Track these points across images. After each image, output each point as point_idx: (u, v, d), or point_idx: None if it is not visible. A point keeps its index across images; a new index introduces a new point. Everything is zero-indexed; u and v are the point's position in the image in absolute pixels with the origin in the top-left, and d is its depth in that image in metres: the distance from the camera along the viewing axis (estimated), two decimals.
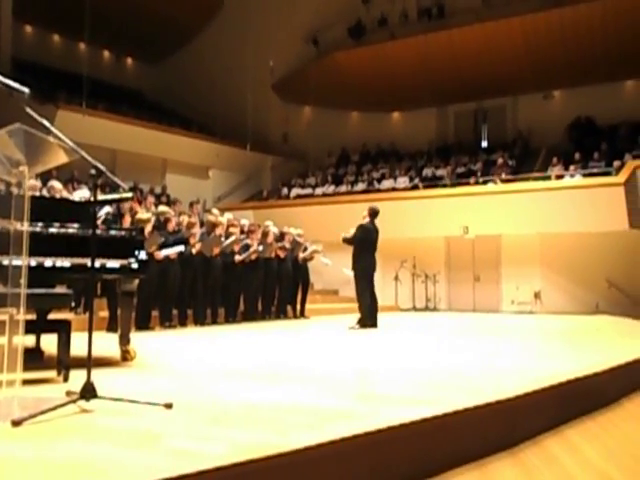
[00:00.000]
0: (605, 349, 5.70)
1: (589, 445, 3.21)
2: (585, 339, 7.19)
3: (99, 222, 6.53)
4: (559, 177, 14.77)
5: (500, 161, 16.21)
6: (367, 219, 8.36)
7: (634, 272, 14.21)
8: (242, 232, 9.94)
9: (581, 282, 14.56)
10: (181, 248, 7.79)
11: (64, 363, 3.44)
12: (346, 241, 8.35)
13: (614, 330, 8.74)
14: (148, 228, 7.44)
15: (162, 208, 8.67)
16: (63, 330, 3.51)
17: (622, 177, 13.21)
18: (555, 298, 14.81)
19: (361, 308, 8.24)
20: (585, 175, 14.39)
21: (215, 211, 10.49)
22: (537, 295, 14.93)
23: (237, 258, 9.00)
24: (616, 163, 14.20)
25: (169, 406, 2.68)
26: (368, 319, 8.17)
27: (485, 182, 15.58)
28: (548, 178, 14.86)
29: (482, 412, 2.75)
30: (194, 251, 8.19)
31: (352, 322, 8.26)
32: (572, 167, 14.83)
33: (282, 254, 9.99)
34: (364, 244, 8.21)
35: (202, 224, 9.71)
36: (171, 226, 8.06)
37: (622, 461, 3.26)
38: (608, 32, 15.62)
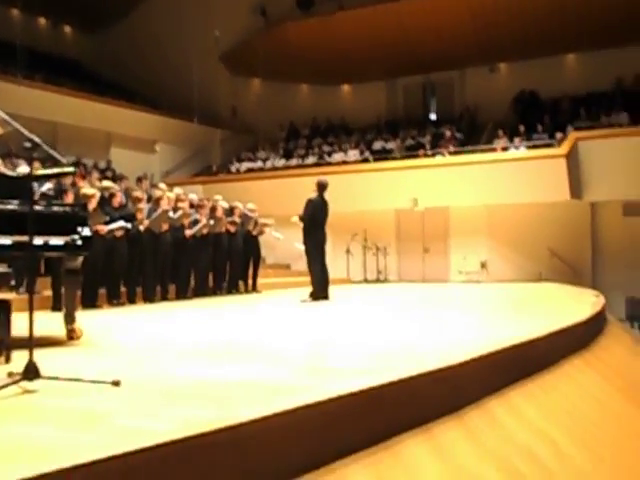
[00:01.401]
0: (546, 315, 5.90)
1: (529, 406, 3.34)
2: (528, 306, 7.43)
3: (39, 197, 6.32)
4: (504, 149, 15.08)
5: (448, 134, 16.42)
6: (315, 193, 8.36)
7: (575, 241, 14.74)
8: (191, 207, 9.81)
9: (525, 252, 15.01)
10: (124, 223, 7.63)
11: (5, 344, 3.34)
12: (301, 218, 8.34)
13: (555, 297, 9.06)
14: (93, 204, 7.25)
15: (106, 183, 8.46)
16: (2, 310, 3.40)
17: (564, 149, 13.59)
18: (501, 267, 15.24)
19: (313, 281, 8.29)
20: (529, 147, 14.73)
21: (162, 186, 10.30)
22: (484, 265, 15.33)
23: (187, 233, 8.89)
24: (559, 135, 14.59)
25: (116, 384, 2.64)
26: (320, 291, 8.23)
27: (434, 155, 15.77)
28: (494, 150, 15.15)
29: (428, 379, 2.82)
30: (142, 228, 8.04)
31: (304, 295, 8.30)
32: (517, 139, 15.15)
33: (232, 229, 9.92)
34: (314, 219, 8.23)
35: (150, 200, 9.53)
36: (116, 202, 7.89)
37: (560, 419, 3.42)
38: (552, 6, 15.89)
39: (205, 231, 9.18)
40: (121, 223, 7.58)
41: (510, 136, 15.51)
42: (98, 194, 7.43)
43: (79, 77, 18.08)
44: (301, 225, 8.34)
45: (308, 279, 8.47)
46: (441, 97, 19.29)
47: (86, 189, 7.53)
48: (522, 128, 15.47)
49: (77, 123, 15.79)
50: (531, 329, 4.42)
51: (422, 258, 16.17)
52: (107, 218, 7.40)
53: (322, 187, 8.37)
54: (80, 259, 4.25)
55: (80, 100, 15.75)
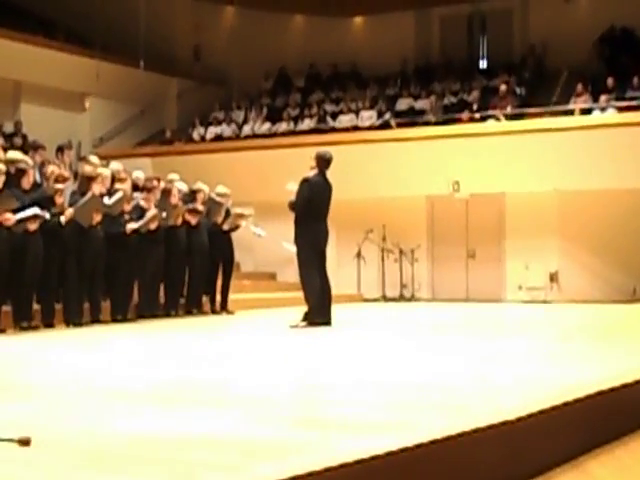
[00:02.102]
0: None
1: None
2: (617, 337, 7.43)
3: None
4: (585, 111, 15.06)
5: (504, 89, 16.40)
6: (315, 170, 8.37)
7: None
8: (134, 189, 9.81)
9: (613, 259, 14.99)
10: (40, 211, 7.63)
11: None
12: (293, 207, 8.35)
13: None
14: None
15: (13, 154, 8.46)
16: None
17: None
18: (578, 282, 15.23)
19: (308, 298, 8.30)
20: (621, 109, 14.71)
21: (94, 159, 10.29)
22: (554, 278, 15.33)
23: (128, 227, 8.90)
24: None
25: (25, 442, 2.64)
26: (318, 313, 8.24)
27: (483, 119, 15.75)
28: (571, 113, 15.13)
29: (471, 440, 2.82)
30: (63, 219, 8.03)
31: (296, 318, 8.32)
32: (603, 97, 15.13)
33: (193, 220, 9.94)
34: (311, 207, 8.22)
35: (76, 179, 9.54)
36: (27, 182, 7.88)
37: None
38: None
39: (154, 225, 9.18)
40: (35, 210, 7.59)
41: (593, 92, 15.50)
42: (3, 169, 7.44)
43: None
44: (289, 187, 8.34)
45: (301, 295, 8.47)
46: (495, 35, 19.24)
47: None
48: (611, 81, 15.46)
49: None
50: (622, 369, 4.42)
51: (465, 267, 16.15)
52: (17, 203, 7.39)
53: (324, 162, 8.37)
54: None
55: None
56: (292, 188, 8.36)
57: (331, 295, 8.54)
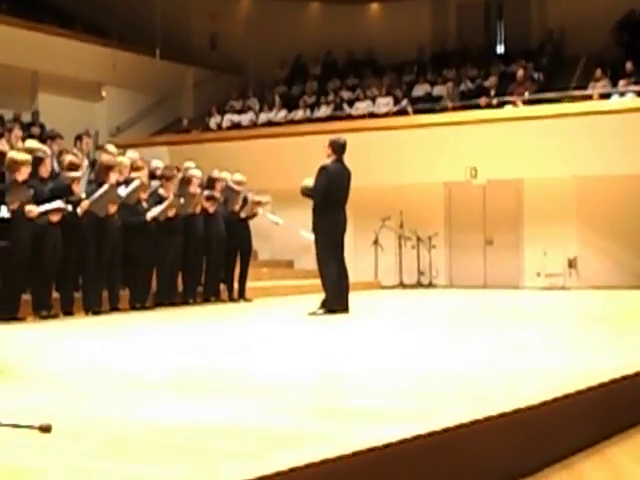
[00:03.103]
0: None
1: (637, 465, 3.33)
2: (636, 324, 7.39)
3: None
4: (604, 96, 14.94)
5: (522, 74, 16.30)
6: (332, 157, 8.34)
7: None
8: (152, 178, 9.83)
9: (633, 245, 14.90)
10: (63, 203, 7.67)
11: None
12: (308, 194, 8.33)
13: None
14: (23, 175, 7.31)
15: (31, 143, 8.49)
16: None
17: None
18: (597, 268, 15.15)
19: (325, 285, 8.30)
20: None
21: (111, 148, 10.32)
22: (572, 264, 15.25)
23: (148, 215, 8.91)
24: None
25: (46, 429, 2.66)
26: (336, 301, 8.24)
27: (501, 105, 15.66)
28: (589, 98, 15.01)
29: (493, 426, 2.81)
30: (79, 211, 8.05)
31: (313, 306, 8.33)
32: (622, 82, 15.02)
33: (211, 208, 9.95)
34: (329, 194, 8.20)
35: (93, 166, 9.56)
36: (45, 170, 7.91)
37: None
38: None
39: (172, 213, 9.19)
40: (59, 203, 7.61)
41: (612, 77, 15.37)
42: (30, 159, 7.47)
43: None
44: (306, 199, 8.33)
45: (318, 282, 8.47)
46: (512, 20, 19.12)
47: (15, 152, 7.60)
48: (629, 66, 15.32)
49: None
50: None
51: (483, 254, 16.10)
52: (31, 193, 7.40)
53: (339, 148, 8.34)
54: None
55: None
56: (308, 184, 8.35)
57: (349, 282, 8.54)
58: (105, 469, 2.23)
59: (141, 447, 2.50)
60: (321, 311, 8.19)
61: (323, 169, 8.28)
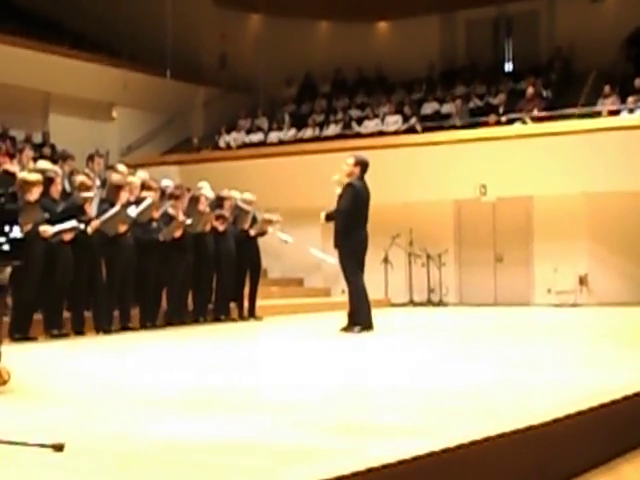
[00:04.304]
0: None
1: None
2: None
3: None
4: (613, 113, 14.94)
5: (531, 91, 16.32)
6: (355, 175, 8.32)
7: None
8: (162, 197, 9.87)
9: None
10: (77, 223, 7.71)
11: None
12: (331, 218, 8.36)
13: None
14: (34, 195, 7.35)
15: (42, 164, 8.54)
16: None
17: None
18: (608, 285, 15.09)
19: (357, 303, 8.30)
20: None
21: (122, 168, 10.36)
22: (583, 281, 15.20)
23: (160, 236, 8.92)
24: None
25: (59, 448, 2.67)
26: (368, 319, 8.25)
27: (510, 122, 15.68)
28: (598, 115, 15.01)
29: (506, 442, 2.82)
30: (90, 230, 8.08)
31: (340, 323, 8.33)
32: (631, 99, 15.02)
33: (221, 227, 9.97)
34: (356, 212, 8.24)
35: (104, 186, 9.60)
36: (56, 190, 7.94)
37: None
38: None
39: (178, 233, 9.15)
40: (73, 223, 7.64)
41: (621, 94, 15.38)
42: (41, 179, 7.51)
43: (4, 14, 18.27)
44: (323, 221, 8.33)
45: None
46: (521, 38, 19.14)
47: (26, 173, 7.63)
48: (638, 82, 15.33)
49: (0, 79, 15.94)
50: None
51: (493, 271, 16.06)
52: (46, 215, 7.45)
53: (364, 166, 8.36)
54: (7, 271, 4.31)
55: (4, 46, 15.90)
56: (323, 217, 8.42)
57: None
58: None
59: (154, 464, 2.51)
60: (358, 329, 8.17)
61: (350, 187, 8.26)
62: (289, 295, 14.20)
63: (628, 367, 5.05)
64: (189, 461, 2.53)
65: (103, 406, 3.75)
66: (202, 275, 9.76)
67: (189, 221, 9.38)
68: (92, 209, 8.33)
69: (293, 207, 14.26)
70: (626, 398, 3.69)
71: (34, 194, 7.36)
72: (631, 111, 14.80)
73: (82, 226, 7.83)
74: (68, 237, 7.69)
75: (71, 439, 2.77)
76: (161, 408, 3.68)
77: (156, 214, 9.03)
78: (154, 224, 9.03)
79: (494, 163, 14.71)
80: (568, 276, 15.20)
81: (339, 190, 8.33)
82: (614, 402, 3.57)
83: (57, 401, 3.96)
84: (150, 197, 8.98)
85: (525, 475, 2.94)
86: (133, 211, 8.66)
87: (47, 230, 7.44)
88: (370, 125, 17.17)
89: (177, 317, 9.40)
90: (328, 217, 8.43)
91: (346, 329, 8.25)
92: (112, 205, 8.36)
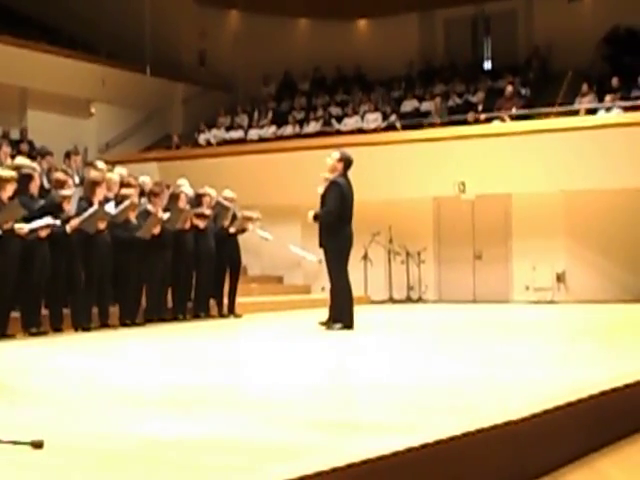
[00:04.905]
0: None
1: (625, 477, 3.34)
2: (624, 338, 7.41)
3: None
4: (590, 112, 15.04)
5: (509, 90, 16.40)
6: (339, 172, 8.28)
7: None
8: (142, 194, 9.83)
9: (621, 259, 14.96)
10: (52, 220, 7.65)
11: None
12: (317, 217, 8.32)
13: None
14: (8, 192, 7.29)
15: (20, 160, 8.49)
16: None
17: None
18: (585, 282, 15.20)
19: (339, 301, 8.23)
20: (626, 109, 14.68)
21: (101, 164, 10.32)
22: (561, 278, 15.30)
23: (143, 233, 8.87)
24: None
25: (38, 445, 2.66)
26: (350, 316, 8.19)
27: (489, 120, 15.74)
28: (576, 113, 15.11)
29: (484, 438, 2.83)
30: (68, 229, 8.02)
31: (323, 319, 8.30)
32: (608, 97, 15.12)
33: (201, 224, 9.95)
34: (341, 210, 8.20)
35: (82, 184, 9.55)
36: (34, 187, 7.89)
37: None
38: None
39: (157, 230, 9.09)
40: (48, 220, 7.59)
41: (598, 92, 15.48)
42: (15, 176, 7.46)
43: None
44: (310, 220, 8.29)
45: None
46: (499, 36, 19.23)
47: (0, 170, 7.56)
48: (615, 81, 15.44)
49: None
50: (628, 370, 4.42)
51: (472, 268, 16.13)
52: (24, 212, 7.40)
53: (347, 163, 8.32)
54: None
55: None
56: (310, 218, 8.34)
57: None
58: None
59: (134, 463, 2.50)
60: (338, 326, 8.11)
61: (334, 184, 8.21)
62: (269, 292, 14.20)
63: (605, 363, 5.09)
64: (169, 459, 2.52)
65: (82, 405, 3.73)
66: (182, 272, 9.73)
67: (166, 216, 9.31)
68: (71, 207, 8.27)
69: (273, 204, 14.24)
70: (603, 394, 3.72)
71: (8, 191, 7.30)
72: (608, 110, 14.90)
73: (58, 222, 7.76)
74: (44, 234, 7.64)
75: (50, 437, 2.75)
76: (141, 406, 3.67)
77: (133, 215, 8.93)
78: (134, 221, 8.98)
79: (473, 161, 14.77)
80: (546, 273, 15.31)
81: (321, 189, 8.31)
82: (591, 397, 3.59)
83: (36, 399, 3.94)
84: (130, 199, 8.86)
85: (504, 470, 2.96)
86: (112, 208, 8.61)
87: (23, 227, 7.38)
88: (350, 122, 17.19)
89: (156, 314, 9.36)
90: (316, 217, 8.37)
91: (326, 324, 8.24)
92: (90, 202, 8.31)
